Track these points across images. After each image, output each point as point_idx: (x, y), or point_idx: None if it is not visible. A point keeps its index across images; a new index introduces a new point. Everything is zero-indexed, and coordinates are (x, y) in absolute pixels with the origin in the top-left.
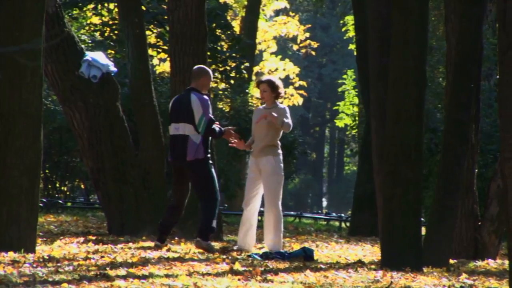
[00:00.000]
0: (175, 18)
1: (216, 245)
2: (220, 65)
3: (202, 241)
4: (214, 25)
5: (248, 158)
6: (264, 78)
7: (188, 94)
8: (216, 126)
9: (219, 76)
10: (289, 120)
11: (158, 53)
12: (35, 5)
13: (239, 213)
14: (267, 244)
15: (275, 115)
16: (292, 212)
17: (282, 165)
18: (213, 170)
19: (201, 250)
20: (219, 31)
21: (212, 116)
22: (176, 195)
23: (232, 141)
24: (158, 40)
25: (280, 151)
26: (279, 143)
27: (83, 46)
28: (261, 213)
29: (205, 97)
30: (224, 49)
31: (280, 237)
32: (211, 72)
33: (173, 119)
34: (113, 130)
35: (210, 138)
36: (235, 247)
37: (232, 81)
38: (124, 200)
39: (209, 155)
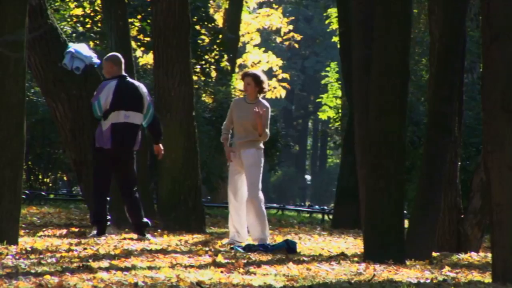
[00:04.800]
0: (158, 10)
1: (199, 237)
2: (201, 60)
3: (144, 237)
4: (195, 18)
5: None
6: (250, 71)
7: (129, 81)
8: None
9: (199, 70)
10: (267, 128)
11: (139, 47)
12: None
13: (221, 205)
14: (254, 236)
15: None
16: (275, 205)
17: (263, 159)
18: None
19: (183, 242)
20: (199, 25)
21: None
22: (110, 183)
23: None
24: (139, 33)
25: (262, 146)
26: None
27: (65, 38)
28: None
29: None
30: (205, 43)
31: (266, 226)
32: None
33: (123, 106)
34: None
35: None
36: (225, 242)
37: (213, 75)
38: None
39: None
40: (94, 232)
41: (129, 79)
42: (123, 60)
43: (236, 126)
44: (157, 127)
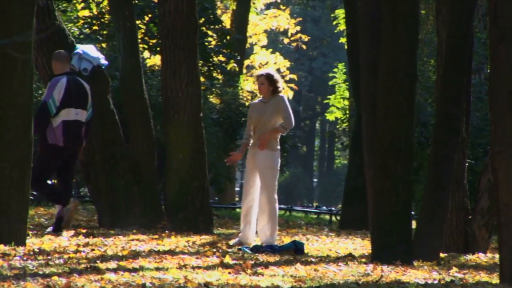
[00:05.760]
0: (166, 11)
1: (207, 238)
2: (209, 63)
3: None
4: (202, 20)
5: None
6: (263, 71)
7: (77, 78)
8: None
9: (206, 71)
10: (288, 115)
11: (144, 49)
12: None
13: (229, 206)
14: (262, 239)
15: (266, 140)
16: (282, 206)
17: (279, 160)
18: None
19: (190, 243)
20: (206, 26)
21: None
22: (64, 183)
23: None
24: (144, 35)
25: (278, 146)
26: (278, 136)
27: (73, 39)
28: None
29: None
30: (212, 45)
31: (275, 230)
32: None
33: (74, 104)
34: (104, 123)
35: None
36: (231, 242)
37: (220, 76)
38: (114, 193)
39: None
40: (58, 209)
41: (75, 76)
42: (69, 56)
43: (254, 128)
44: (90, 127)
